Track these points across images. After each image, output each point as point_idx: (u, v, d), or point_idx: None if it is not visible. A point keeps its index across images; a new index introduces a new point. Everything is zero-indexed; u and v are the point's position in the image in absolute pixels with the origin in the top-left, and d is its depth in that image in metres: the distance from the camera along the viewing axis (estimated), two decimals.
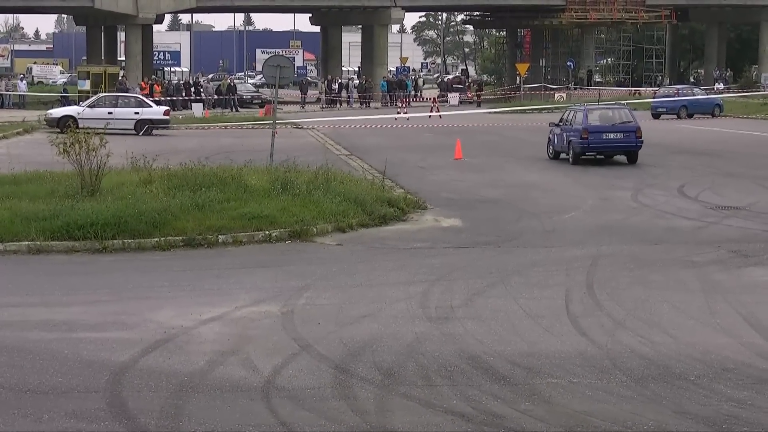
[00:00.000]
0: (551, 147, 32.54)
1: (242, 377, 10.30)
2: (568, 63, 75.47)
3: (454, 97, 71.45)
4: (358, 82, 73.97)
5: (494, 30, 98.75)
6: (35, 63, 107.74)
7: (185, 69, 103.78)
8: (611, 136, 30.92)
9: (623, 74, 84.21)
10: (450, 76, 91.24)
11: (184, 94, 63.71)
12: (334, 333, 11.90)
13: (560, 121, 32.45)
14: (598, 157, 31.44)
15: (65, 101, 57.91)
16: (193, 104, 59.97)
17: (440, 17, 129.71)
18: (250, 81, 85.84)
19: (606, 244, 17.72)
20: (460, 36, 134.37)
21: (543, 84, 76.31)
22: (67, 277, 15.46)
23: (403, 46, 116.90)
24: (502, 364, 10.71)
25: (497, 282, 14.68)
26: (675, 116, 53.83)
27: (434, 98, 65.36)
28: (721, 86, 74.47)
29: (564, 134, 31.42)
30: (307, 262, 16.35)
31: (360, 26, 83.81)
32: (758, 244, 17.79)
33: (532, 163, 31.63)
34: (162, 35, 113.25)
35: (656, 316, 12.70)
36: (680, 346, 11.37)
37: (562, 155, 31.93)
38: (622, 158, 31.41)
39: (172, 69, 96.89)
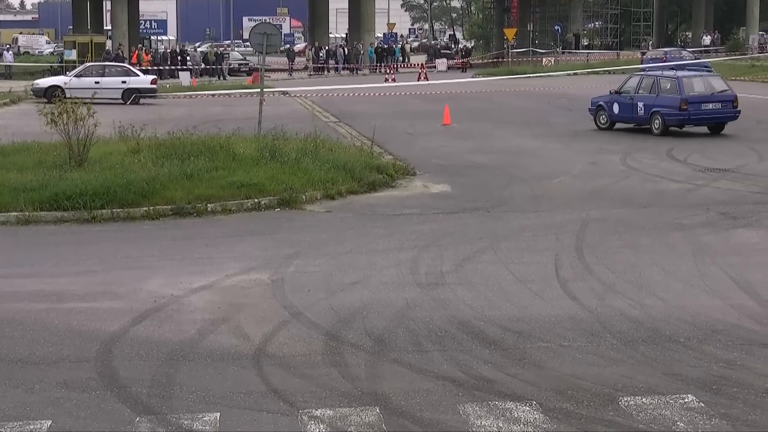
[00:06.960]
0: (604, 116, 30.59)
1: (233, 345, 10.31)
2: (556, 27, 75.19)
3: (442, 63, 71.31)
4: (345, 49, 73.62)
5: None
6: (21, 33, 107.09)
7: (172, 38, 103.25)
8: (710, 106, 28.89)
9: (611, 38, 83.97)
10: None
11: (170, 62, 63.38)
12: (324, 300, 11.91)
13: (620, 89, 30.46)
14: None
15: (56, 71, 57.25)
16: (180, 73, 59.68)
17: None
18: (237, 49, 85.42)
19: (595, 208, 17.73)
20: (448, 1, 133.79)
21: (530, 48, 76.10)
22: (56, 248, 15.42)
23: (391, 12, 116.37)
24: (492, 329, 10.73)
25: (487, 247, 14.69)
26: None
27: (422, 64, 65.24)
28: (708, 40, 74.57)
29: (637, 104, 29.32)
30: (297, 230, 16.33)
31: None
32: (747, 206, 17.83)
33: (521, 128, 31.59)
34: (148, 4, 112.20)
35: (646, 280, 12.73)
36: (670, 309, 11.41)
37: (618, 125, 30.35)
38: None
39: (159, 38, 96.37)
